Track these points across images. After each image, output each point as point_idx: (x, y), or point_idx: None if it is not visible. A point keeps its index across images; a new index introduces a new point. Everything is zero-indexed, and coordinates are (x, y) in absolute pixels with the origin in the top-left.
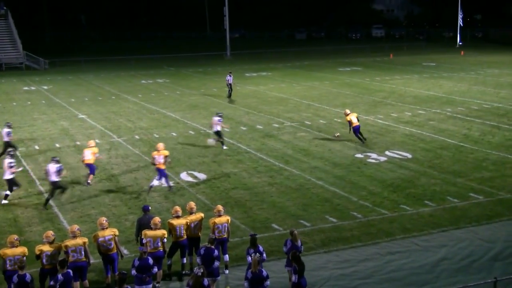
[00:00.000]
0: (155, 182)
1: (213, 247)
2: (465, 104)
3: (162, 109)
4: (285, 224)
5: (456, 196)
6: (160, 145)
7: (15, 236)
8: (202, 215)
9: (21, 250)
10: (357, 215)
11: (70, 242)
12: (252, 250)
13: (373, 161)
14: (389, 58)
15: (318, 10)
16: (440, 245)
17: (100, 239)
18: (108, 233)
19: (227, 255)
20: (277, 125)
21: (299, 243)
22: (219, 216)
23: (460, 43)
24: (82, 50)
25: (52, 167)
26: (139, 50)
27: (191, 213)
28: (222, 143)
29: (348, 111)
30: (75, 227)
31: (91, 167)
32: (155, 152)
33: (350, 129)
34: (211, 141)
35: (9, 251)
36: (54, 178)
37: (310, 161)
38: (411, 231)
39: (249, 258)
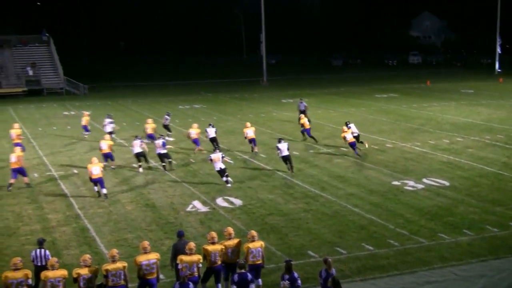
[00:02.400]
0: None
1: (245, 271)
2: (504, 132)
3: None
4: (321, 251)
5: (495, 225)
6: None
7: (56, 259)
8: (240, 240)
9: (62, 272)
10: (394, 243)
11: (110, 266)
12: (287, 276)
13: (410, 188)
14: (426, 85)
15: (354, 37)
16: (479, 275)
17: (144, 262)
18: (153, 257)
19: (260, 280)
20: (313, 151)
21: (333, 271)
22: (253, 241)
23: (499, 70)
24: (121, 76)
25: (158, 142)
26: (176, 75)
27: (229, 238)
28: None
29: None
30: (115, 251)
31: (110, 156)
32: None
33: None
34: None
35: (50, 273)
36: (161, 151)
37: (346, 188)
38: (449, 260)
39: (282, 284)
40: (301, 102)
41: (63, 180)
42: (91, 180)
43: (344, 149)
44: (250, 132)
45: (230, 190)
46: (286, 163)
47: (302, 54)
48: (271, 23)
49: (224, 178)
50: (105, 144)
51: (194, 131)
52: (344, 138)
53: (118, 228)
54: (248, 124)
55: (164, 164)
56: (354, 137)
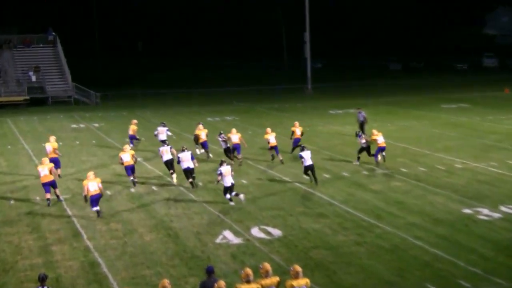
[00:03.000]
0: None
1: None
2: None
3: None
4: None
5: None
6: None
7: None
8: (278, 279)
9: None
10: (465, 283)
11: None
12: None
13: (485, 217)
14: (504, 93)
15: (416, 36)
16: None
17: None
18: None
19: None
20: (366, 172)
21: None
22: (297, 278)
23: None
24: (139, 81)
25: (186, 154)
26: (204, 81)
27: (266, 276)
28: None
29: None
30: None
31: (133, 168)
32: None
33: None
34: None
35: None
36: (188, 165)
37: (407, 216)
38: None
39: None
40: (360, 112)
41: (69, 204)
42: (90, 198)
43: (404, 169)
44: (272, 138)
45: (267, 218)
46: (308, 174)
47: (353, 57)
48: (316, 20)
49: (190, 180)
50: (128, 156)
51: (235, 136)
52: (375, 141)
53: (134, 263)
54: (269, 130)
55: (191, 181)
56: (365, 148)
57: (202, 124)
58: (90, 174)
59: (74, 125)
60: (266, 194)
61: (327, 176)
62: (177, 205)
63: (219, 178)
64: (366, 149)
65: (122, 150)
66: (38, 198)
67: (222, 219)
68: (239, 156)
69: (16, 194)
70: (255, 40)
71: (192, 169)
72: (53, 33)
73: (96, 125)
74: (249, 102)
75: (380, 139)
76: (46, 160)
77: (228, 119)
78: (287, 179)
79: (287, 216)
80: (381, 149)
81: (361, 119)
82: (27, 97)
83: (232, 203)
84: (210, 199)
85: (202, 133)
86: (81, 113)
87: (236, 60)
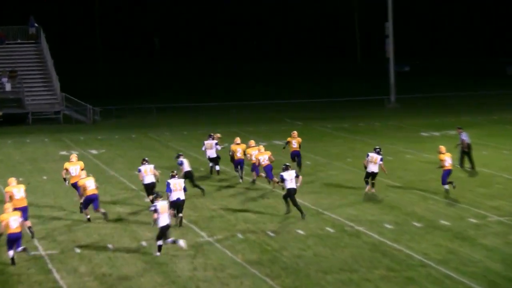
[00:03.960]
0: None
1: None
2: None
3: (281, 189)
4: None
5: None
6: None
7: None
8: None
9: None
10: None
11: None
12: None
13: None
14: None
15: None
16: None
17: None
18: None
19: None
20: (474, 220)
21: None
22: None
23: None
24: (152, 91)
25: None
26: (241, 90)
27: None
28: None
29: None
30: None
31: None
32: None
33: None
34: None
35: None
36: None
37: None
38: None
39: None
40: (462, 133)
41: (56, 264)
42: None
43: None
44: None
45: (334, 284)
46: (287, 202)
47: (453, 57)
48: (401, 8)
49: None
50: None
51: (262, 157)
52: (442, 162)
53: None
54: (253, 142)
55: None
56: (372, 173)
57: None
58: (83, 172)
59: (63, 152)
60: (331, 249)
61: (417, 224)
62: (206, 264)
63: (283, 183)
64: (372, 174)
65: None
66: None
67: (271, 285)
68: (276, 180)
69: None
70: (314, 36)
71: (183, 201)
72: (36, 25)
73: (94, 152)
74: (307, 120)
75: (448, 161)
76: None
77: (278, 143)
78: (360, 228)
79: (363, 282)
80: (448, 173)
81: (468, 141)
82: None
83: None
84: (253, 256)
85: (239, 148)
86: (74, 135)
87: (286, 62)
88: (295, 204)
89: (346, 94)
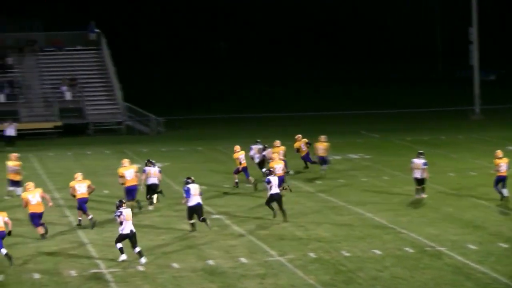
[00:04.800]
0: None
1: None
2: None
3: (355, 206)
4: None
5: None
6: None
7: None
8: None
9: None
10: None
11: None
12: None
13: None
14: None
15: None
16: None
17: None
18: None
19: None
20: None
21: None
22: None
23: None
24: (220, 100)
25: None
26: (312, 99)
27: None
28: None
29: None
30: None
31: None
32: None
33: None
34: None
35: None
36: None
37: None
38: None
39: None
40: None
41: (119, 282)
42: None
43: None
44: (242, 157)
45: None
46: (271, 207)
47: None
48: (484, 16)
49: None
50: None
51: (278, 166)
52: (497, 167)
53: None
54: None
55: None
56: (417, 179)
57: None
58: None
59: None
60: (410, 270)
61: (504, 245)
62: (277, 285)
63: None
64: (420, 180)
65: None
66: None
67: None
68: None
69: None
70: (391, 41)
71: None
72: (97, 30)
73: (158, 165)
74: (384, 132)
75: (504, 167)
76: None
77: (353, 157)
78: (442, 248)
79: None
80: (501, 180)
81: None
82: (59, 123)
83: None
84: (326, 277)
85: (302, 144)
86: (136, 147)
87: (359, 69)
88: (281, 208)
89: (426, 104)
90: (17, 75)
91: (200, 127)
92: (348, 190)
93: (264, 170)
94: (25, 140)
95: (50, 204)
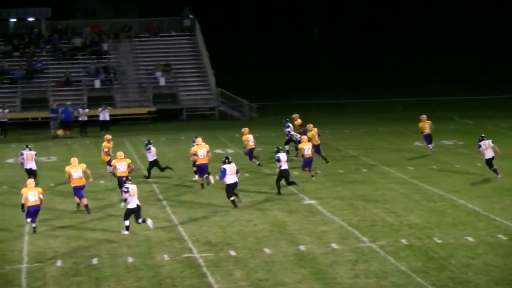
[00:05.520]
0: None
1: None
2: None
3: (448, 193)
4: None
5: None
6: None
7: None
8: None
9: None
10: None
11: None
12: None
13: None
14: None
15: None
16: None
17: None
18: None
19: None
20: None
21: None
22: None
23: None
24: (313, 86)
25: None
26: (405, 85)
27: None
28: None
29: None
30: None
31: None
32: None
33: None
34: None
35: None
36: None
37: None
38: None
39: None
40: None
41: (211, 267)
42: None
43: None
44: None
45: None
46: (279, 184)
47: None
48: None
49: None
50: (203, 151)
51: (307, 147)
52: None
53: None
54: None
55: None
56: (491, 159)
57: None
58: (199, 139)
59: (218, 151)
60: (503, 258)
61: None
62: (368, 271)
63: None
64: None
65: None
66: (166, 257)
67: None
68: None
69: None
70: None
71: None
72: (191, 16)
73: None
74: (478, 118)
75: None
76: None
77: (447, 143)
78: None
79: None
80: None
81: None
82: (153, 109)
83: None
84: (418, 264)
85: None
86: (229, 133)
87: (451, 56)
88: (289, 183)
89: None
90: (112, 61)
91: (292, 112)
92: (441, 176)
93: (287, 147)
94: (120, 125)
95: (91, 179)
